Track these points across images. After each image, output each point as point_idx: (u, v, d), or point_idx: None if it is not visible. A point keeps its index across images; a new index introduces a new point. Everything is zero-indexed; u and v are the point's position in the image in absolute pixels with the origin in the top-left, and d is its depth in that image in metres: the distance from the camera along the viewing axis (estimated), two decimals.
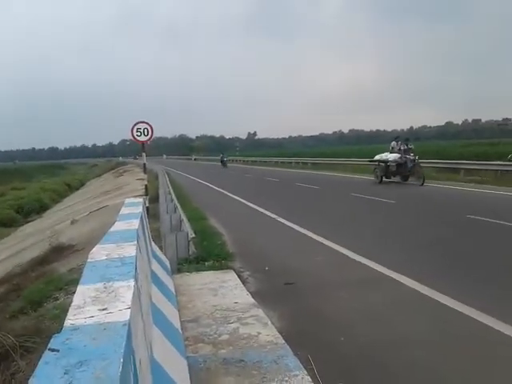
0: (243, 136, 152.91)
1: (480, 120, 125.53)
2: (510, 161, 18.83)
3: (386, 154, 18.56)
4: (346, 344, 3.90)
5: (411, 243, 7.71)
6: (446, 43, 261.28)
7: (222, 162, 42.81)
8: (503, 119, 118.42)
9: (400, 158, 17.57)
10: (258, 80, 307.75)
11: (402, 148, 17.83)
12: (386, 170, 18.29)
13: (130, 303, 1.48)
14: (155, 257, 4.93)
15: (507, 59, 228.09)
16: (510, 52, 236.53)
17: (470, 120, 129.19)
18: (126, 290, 1.63)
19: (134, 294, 1.62)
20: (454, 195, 14.17)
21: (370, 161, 20.26)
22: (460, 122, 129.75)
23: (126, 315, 1.36)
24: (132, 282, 1.72)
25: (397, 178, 18.30)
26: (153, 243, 5.41)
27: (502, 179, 17.21)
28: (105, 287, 1.65)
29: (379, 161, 18.80)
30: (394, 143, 18.70)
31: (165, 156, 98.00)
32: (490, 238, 7.88)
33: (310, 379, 3.11)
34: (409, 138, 19.50)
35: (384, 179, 18.44)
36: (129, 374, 1.17)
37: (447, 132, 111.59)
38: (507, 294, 4.89)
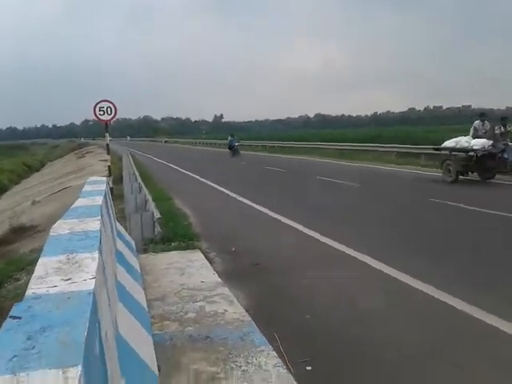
0: (209, 119, 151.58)
1: (441, 107, 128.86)
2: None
3: (463, 138, 12.90)
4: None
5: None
6: (413, 29, 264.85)
7: (230, 147, 30.18)
8: (463, 106, 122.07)
9: (492, 145, 12.02)
10: (225, 61, 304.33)
11: (496, 132, 12.49)
12: (466, 162, 12.59)
13: (94, 274, 1.44)
14: (120, 236, 4.86)
15: (468, 47, 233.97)
16: (471, 40, 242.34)
17: (431, 106, 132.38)
18: (90, 261, 1.59)
19: (98, 265, 1.58)
20: None
21: (437, 149, 14.41)
22: (422, 109, 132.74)
23: (90, 285, 1.33)
24: (96, 254, 1.68)
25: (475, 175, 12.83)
26: (117, 223, 5.32)
27: None
28: (68, 259, 1.60)
29: (454, 149, 13.00)
30: (477, 123, 12.94)
31: (129, 138, 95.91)
32: None
33: (276, 354, 3.15)
34: (507, 116, 13.66)
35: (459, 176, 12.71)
36: (94, 341, 1.15)
37: (410, 118, 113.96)
38: None
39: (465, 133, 13.61)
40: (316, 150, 29.41)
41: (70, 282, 1.35)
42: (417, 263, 5.44)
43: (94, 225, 2.34)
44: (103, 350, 1.34)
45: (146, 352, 2.84)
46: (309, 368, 3.22)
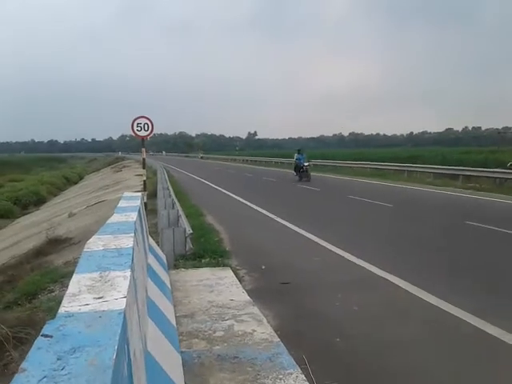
0: (243, 135, 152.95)
1: (480, 128, 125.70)
2: (509, 168, 18.84)
3: None
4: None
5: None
6: (450, 47, 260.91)
7: (297, 169, 22.79)
8: (503, 127, 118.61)
9: None
10: (260, 80, 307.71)
11: None
12: None
13: (125, 293, 1.45)
14: (152, 251, 4.91)
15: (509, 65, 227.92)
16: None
17: (470, 127, 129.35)
18: (122, 279, 1.60)
19: (130, 283, 1.60)
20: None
21: None
22: (460, 129, 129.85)
23: (121, 304, 1.34)
24: (128, 272, 1.69)
25: None
26: (150, 238, 5.39)
27: (501, 187, 17.22)
28: (101, 276, 1.62)
29: None
30: None
31: (164, 152, 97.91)
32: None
33: (305, 377, 3.09)
34: None
35: None
36: (123, 363, 1.15)
37: (447, 138, 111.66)
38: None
39: None
40: (351, 170, 29.11)
41: (101, 300, 1.37)
42: (445, 282, 5.26)
43: (128, 241, 2.37)
44: (131, 371, 1.34)
45: (174, 370, 2.83)
46: None
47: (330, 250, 7.30)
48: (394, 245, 7.88)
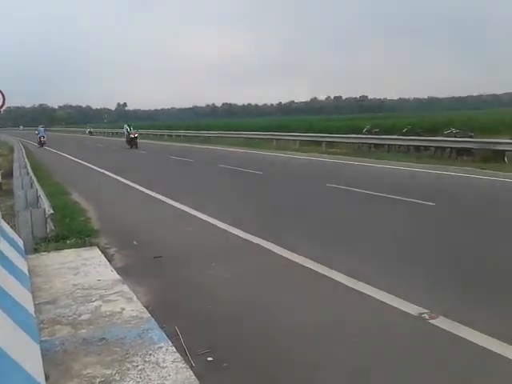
0: (112, 107, 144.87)
1: (341, 97, 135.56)
2: (365, 134, 20.71)
3: None
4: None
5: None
6: (316, 18, 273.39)
7: (127, 138, 27.21)
8: (361, 96, 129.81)
9: None
10: (131, 48, 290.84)
11: None
12: None
13: None
14: (4, 236, 4.44)
15: (368, 37, 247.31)
16: (370, 31, 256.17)
17: (332, 97, 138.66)
18: None
19: None
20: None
21: None
22: (324, 99, 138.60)
23: None
24: None
25: None
26: (2, 221, 4.86)
27: (358, 151, 18.90)
28: None
29: None
30: None
31: (21, 127, 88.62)
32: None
33: (175, 349, 3.09)
34: None
35: None
36: None
37: (313, 107, 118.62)
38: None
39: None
40: (225, 140, 29.43)
41: None
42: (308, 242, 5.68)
43: None
44: None
45: (31, 362, 2.63)
46: (210, 359, 3.21)
47: (202, 219, 7.36)
48: (264, 210, 8.22)
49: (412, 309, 3.80)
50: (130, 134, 26.67)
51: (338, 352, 3.26)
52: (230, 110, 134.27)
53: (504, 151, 14.42)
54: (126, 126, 27.95)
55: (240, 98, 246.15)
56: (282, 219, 7.51)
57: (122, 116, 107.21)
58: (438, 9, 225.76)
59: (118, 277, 4.60)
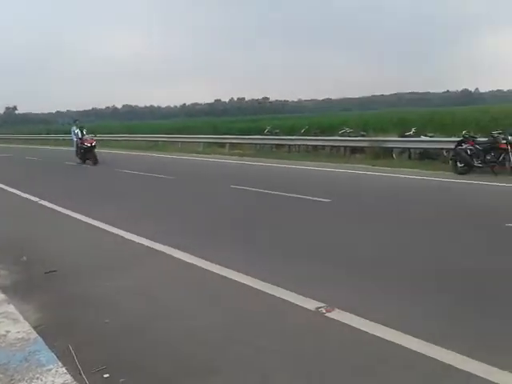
0: (0, 110, 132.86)
1: (244, 98, 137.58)
2: (266, 135, 21.27)
3: None
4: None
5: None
6: (221, 23, 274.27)
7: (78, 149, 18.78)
8: (263, 98, 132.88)
9: None
10: (24, 46, 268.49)
11: None
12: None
13: None
14: None
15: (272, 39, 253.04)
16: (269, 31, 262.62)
17: (235, 98, 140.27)
18: None
19: None
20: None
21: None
22: (227, 100, 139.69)
23: None
24: None
25: None
26: None
27: (260, 151, 19.36)
28: None
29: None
30: None
31: None
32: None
33: (66, 370, 2.91)
34: None
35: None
36: None
37: (216, 109, 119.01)
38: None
39: None
40: (126, 143, 28.47)
41: None
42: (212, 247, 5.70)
43: None
44: None
45: None
46: (106, 376, 3.06)
47: (104, 230, 7.04)
48: (162, 214, 8.08)
49: (310, 304, 3.95)
50: (83, 142, 17.94)
51: (240, 353, 3.28)
52: (131, 111, 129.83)
53: (392, 148, 15.69)
54: (74, 128, 18.87)
55: (142, 100, 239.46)
56: (189, 224, 7.44)
57: (11, 121, 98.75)
58: (337, 9, 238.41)
59: (2, 296, 4.23)
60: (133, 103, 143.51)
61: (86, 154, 17.80)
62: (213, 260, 5.16)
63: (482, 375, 2.77)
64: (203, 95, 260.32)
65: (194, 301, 4.26)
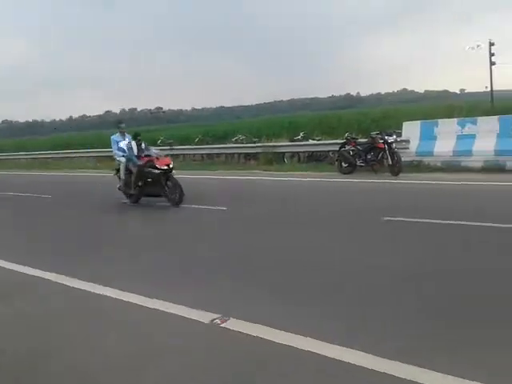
0: None
1: (136, 109, 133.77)
2: (159, 145, 20.86)
3: None
4: None
5: None
6: (110, 32, 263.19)
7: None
8: (156, 108, 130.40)
9: None
10: None
11: None
12: None
13: None
14: None
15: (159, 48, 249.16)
16: (160, 41, 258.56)
17: (126, 109, 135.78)
18: None
19: None
20: None
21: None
22: (118, 111, 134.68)
23: None
24: None
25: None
26: None
27: None
28: None
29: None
30: None
31: None
32: None
33: None
34: None
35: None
36: None
37: (105, 121, 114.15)
38: None
39: None
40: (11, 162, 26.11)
41: None
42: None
43: None
44: None
45: None
46: None
47: None
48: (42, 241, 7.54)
49: (205, 317, 3.91)
50: (153, 162, 9.67)
51: (143, 375, 3.14)
52: (11, 127, 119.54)
53: (283, 153, 16.30)
54: (116, 137, 10.78)
55: (24, 115, 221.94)
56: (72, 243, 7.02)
57: None
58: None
59: None
60: (13, 119, 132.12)
61: (155, 185, 9.64)
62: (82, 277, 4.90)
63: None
64: (93, 107, 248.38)
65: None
